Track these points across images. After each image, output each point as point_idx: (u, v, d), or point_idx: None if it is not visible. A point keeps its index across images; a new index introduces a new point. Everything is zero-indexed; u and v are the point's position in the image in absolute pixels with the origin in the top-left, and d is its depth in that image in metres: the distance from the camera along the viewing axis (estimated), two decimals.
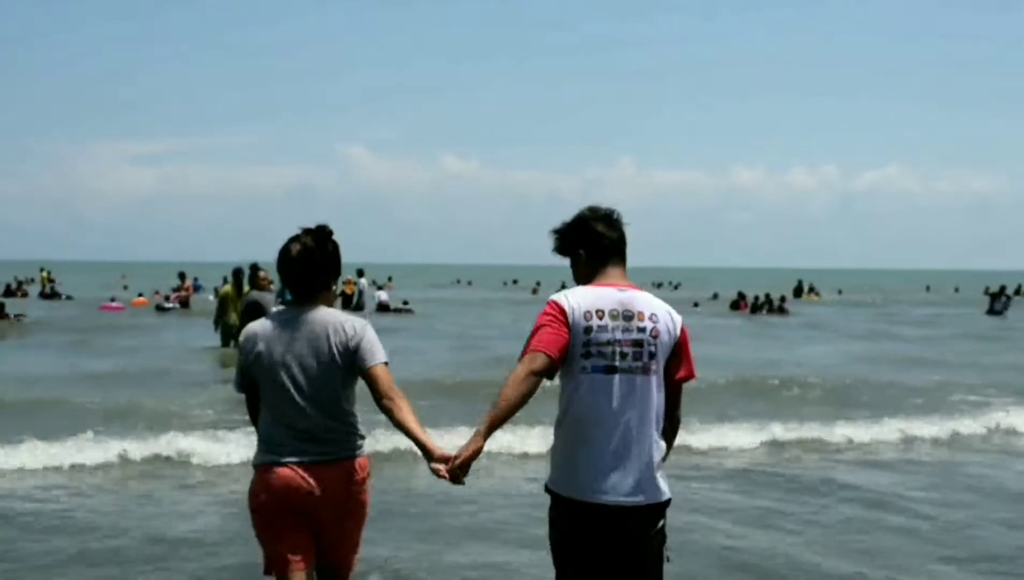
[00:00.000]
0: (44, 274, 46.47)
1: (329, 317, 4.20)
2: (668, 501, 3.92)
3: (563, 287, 5.47)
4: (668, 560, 3.94)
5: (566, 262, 4.05)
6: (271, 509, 4.15)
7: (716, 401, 13.31)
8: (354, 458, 4.21)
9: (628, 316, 3.87)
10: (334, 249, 4.32)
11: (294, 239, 4.28)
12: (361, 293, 31.43)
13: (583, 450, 3.84)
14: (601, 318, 3.84)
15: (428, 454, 3.97)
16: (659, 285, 71.38)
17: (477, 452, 3.81)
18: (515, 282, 64.58)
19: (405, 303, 34.48)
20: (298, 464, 4.12)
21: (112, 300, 36.30)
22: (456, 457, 3.82)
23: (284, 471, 4.12)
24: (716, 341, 22.39)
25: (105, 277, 70.61)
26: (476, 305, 38.63)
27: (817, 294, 52.38)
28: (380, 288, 37.18)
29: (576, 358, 3.83)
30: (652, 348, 3.86)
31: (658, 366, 3.88)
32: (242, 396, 4.35)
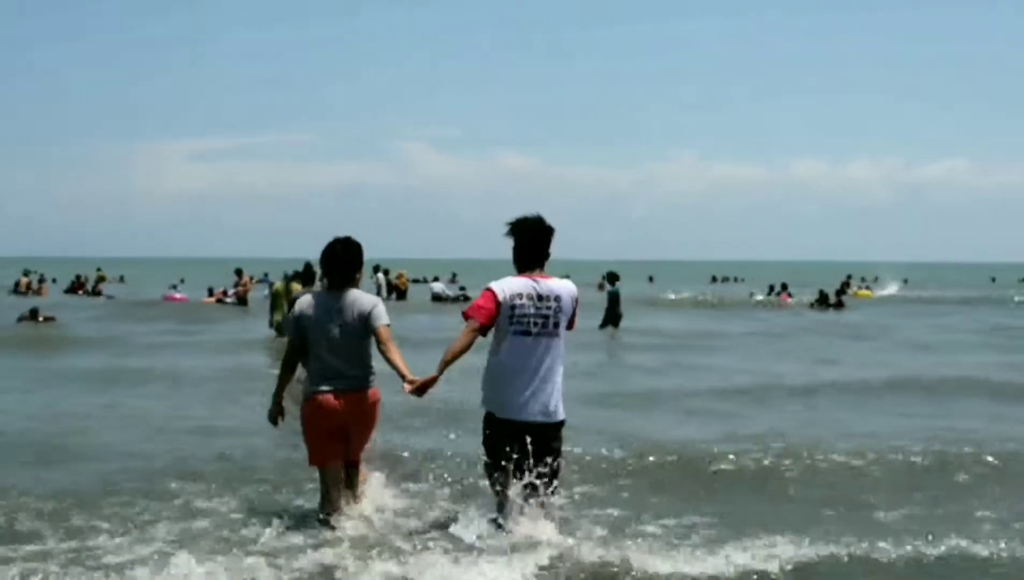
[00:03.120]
0: (99, 273, 48.63)
1: (358, 296, 6.36)
2: (563, 421, 6.16)
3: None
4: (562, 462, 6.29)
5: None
6: (316, 423, 6.30)
7: None
8: (369, 387, 6.38)
9: (540, 298, 6.03)
10: (358, 252, 6.47)
11: (331, 245, 6.43)
12: (380, 288, 33.43)
13: (510, 386, 5.99)
14: (521, 299, 6.00)
15: (403, 378, 6.11)
16: (714, 279, 70.33)
17: (433, 381, 5.98)
18: (566, 277, 63.47)
19: (463, 289, 36.33)
20: (332, 392, 6.27)
21: (174, 287, 37.16)
22: (419, 382, 5.99)
23: (325, 397, 6.27)
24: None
25: (161, 274, 71.54)
26: None
27: (868, 289, 48.93)
28: (437, 280, 38.56)
29: (505, 324, 5.99)
30: (556, 319, 6.06)
31: (561, 329, 6.08)
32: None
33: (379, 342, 6.30)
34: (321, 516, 6.45)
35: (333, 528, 6.31)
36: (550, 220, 6.27)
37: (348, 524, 6.38)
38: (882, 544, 6.23)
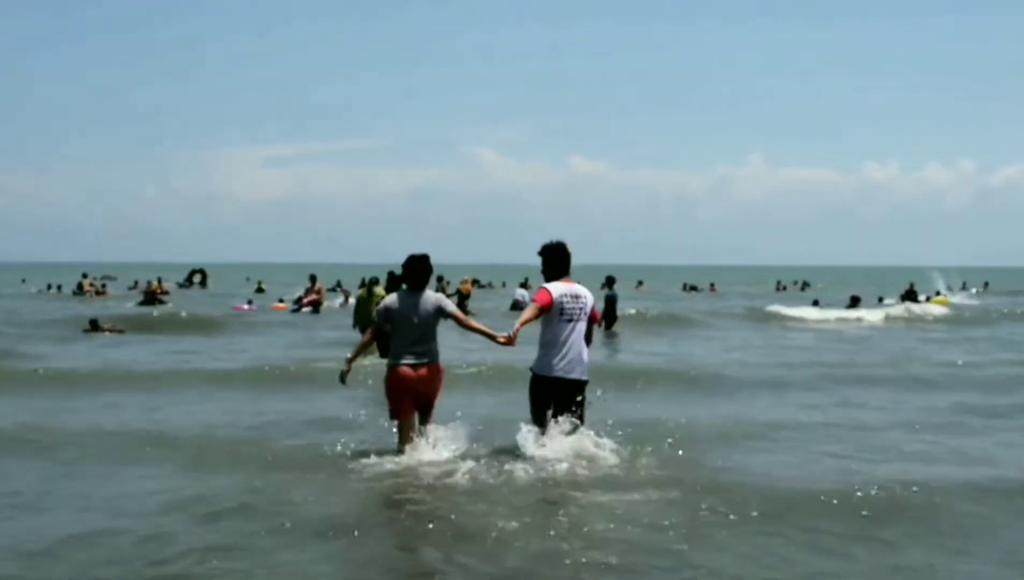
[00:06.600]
0: (159, 282, 50.84)
1: (431, 295, 8.94)
2: (587, 381, 8.88)
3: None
4: (590, 403, 9.02)
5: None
6: (396, 387, 8.78)
7: None
8: (437, 362, 8.88)
9: (575, 297, 8.86)
10: (429, 264, 8.98)
11: (411, 259, 8.95)
12: None
13: (555, 354, 8.73)
14: (567, 298, 8.81)
15: (493, 339, 8.78)
16: (778, 286, 68.59)
17: (515, 335, 8.55)
18: (640, 283, 62.22)
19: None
20: (409, 365, 8.76)
21: (249, 302, 37.37)
22: (508, 338, 8.61)
23: (404, 368, 8.76)
24: None
25: (238, 278, 72.46)
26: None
27: (943, 295, 45.57)
28: (523, 286, 39.21)
29: (556, 315, 8.75)
30: (585, 310, 8.88)
31: (586, 316, 8.88)
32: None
33: (459, 322, 8.96)
34: (398, 450, 8.89)
35: (406, 455, 8.80)
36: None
37: (418, 453, 8.82)
38: None
